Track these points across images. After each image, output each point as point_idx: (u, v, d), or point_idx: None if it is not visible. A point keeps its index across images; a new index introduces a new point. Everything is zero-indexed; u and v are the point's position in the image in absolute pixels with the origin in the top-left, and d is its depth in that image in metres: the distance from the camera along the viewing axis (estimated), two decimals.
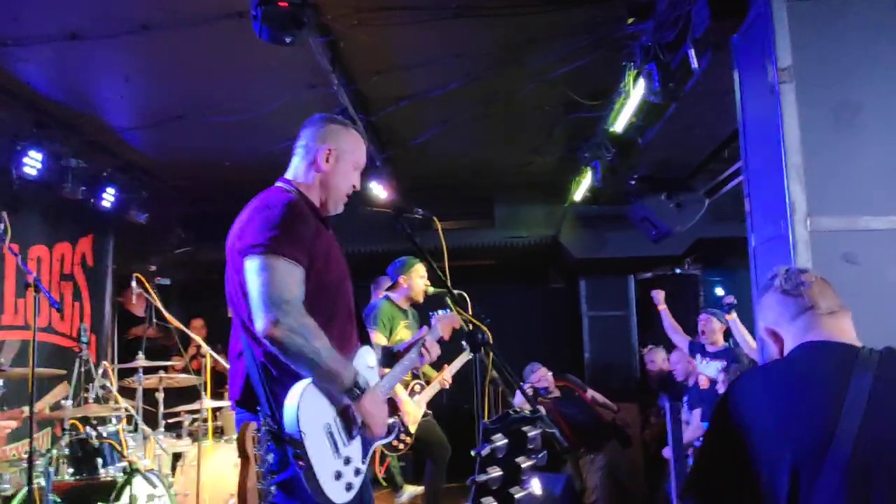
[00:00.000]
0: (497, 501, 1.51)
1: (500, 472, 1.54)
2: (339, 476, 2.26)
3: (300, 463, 2.16)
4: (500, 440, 1.55)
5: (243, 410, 2.41)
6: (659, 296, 6.50)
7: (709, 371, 5.64)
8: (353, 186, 2.59)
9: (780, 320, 2.02)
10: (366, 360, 2.57)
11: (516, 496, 1.53)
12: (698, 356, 5.85)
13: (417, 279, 5.17)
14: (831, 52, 3.07)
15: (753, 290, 3.39)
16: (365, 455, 2.43)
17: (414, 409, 5.03)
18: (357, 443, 2.38)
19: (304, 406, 2.20)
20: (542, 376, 6.54)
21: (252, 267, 2.27)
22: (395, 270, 5.24)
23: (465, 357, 5.39)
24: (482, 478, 1.51)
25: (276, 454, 2.20)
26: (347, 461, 2.31)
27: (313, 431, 2.22)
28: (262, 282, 2.23)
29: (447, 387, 5.40)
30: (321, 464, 2.20)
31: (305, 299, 2.28)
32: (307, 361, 2.21)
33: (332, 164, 2.52)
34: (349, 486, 2.29)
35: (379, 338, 4.96)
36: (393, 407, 4.98)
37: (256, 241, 2.28)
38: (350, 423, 2.34)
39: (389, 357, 2.82)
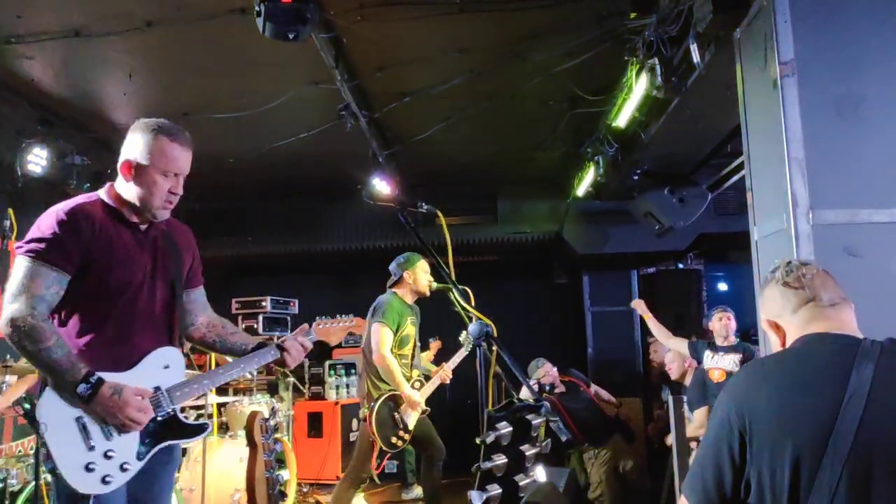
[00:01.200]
0: (501, 488, 1.52)
1: (505, 459, 1.55)
2: (90, 468, 2.30)
3: (43, 450, 2.26)
4: (505, 428, 1.57)
5: None
6: (640, 307, 6.43)
7: (725, 364, 5.60)
8: (171, 192, 2.54)
9: (781, 312, 2.03)
10: (163, 361, 2.57)
11: (521, 483, 1.54)
12: (707, 353, 5.79)
13: (421, 274, 5.18)
14: (833, 45, 3.08)
15: (756, 285, 3.40)
16: (145, 453, 2.45)
17: (418, 399, 5.03)
18: (129, 438, 2.41)
19: (50, 397, 2.28)
20: (547, 371, 6.56)
21: (15, 264, 2.41)
22: (398, 266, 5.25)
23: (463, 352, 5.42)
24: (487, 465, 1.52)
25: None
26: (108, 455, 2.34)
27: (58, 421, 2.29)
28: (13, 279, 2.37)
29: (448, 382, 5.41)
30: (64, 454, 2.27)
31: (78, 299, 2.43)
32: (28, 354, 2.31)
33: (135, 175, 2.53)
34: (106, 479, 2.33)
35: (386, 332, 4.96)
36: (397, 402, 5.01)
37: (23, 243, 2.42)
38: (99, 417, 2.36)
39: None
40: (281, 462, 4.77)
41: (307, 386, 8.19)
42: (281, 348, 2.77)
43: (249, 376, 6.32)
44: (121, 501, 2.44)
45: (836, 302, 1.97)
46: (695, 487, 1.97)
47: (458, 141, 6.62)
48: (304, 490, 7.12)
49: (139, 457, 2.43)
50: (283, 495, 5.22)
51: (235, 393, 6.84)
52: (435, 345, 5.96)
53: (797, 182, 3.01)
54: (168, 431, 2.51)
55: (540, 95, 5.47)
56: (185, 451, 5.73)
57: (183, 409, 5.76)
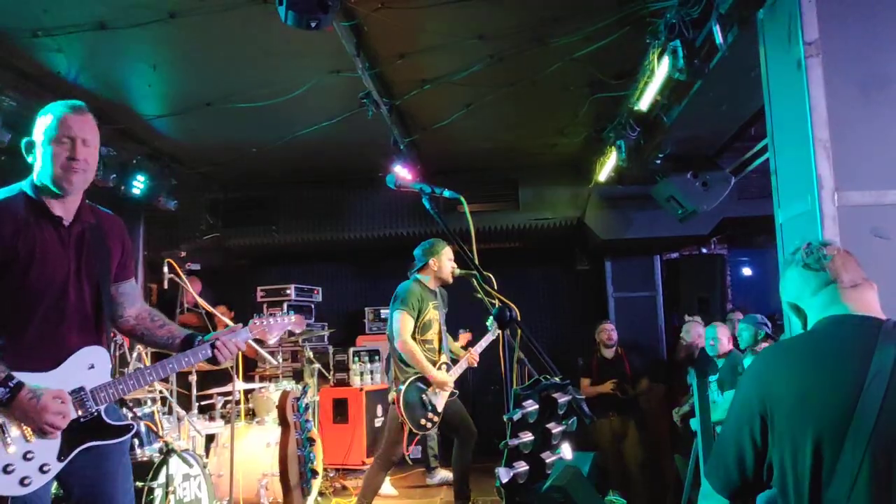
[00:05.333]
0: (528, 464, 1.55)
1: (532, 437, 1.58)
2: (7, 469, 2.31)
3: None
4: (532, 406, 1.59)
5: None
6: None
7: None
8: (71, 159, 2.52)
9: (802, 295, 2.03)
10: (87, 361, 2.56)
11: (547, 460, 1.57)
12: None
13: (445, 260, 5.23)
14: (858, 24, 3.05)
15: (781, 268, 3.39)
16: (67, 454, 2.45)
17: (445, 378, 5.10)
18: (50, 439, 2.40)
19: None
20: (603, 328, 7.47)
21: None
22: (423, 252, 5.30)
23: (490, 336, 5.45)
24: (514, 442, 1.55)
25: None
26: (27, 456, 2.35)
27: None
28: None
29: (475, 365, 5.46)
30: None
31: (0, 298, 2.42)
32: None
33: (34, 154, 2.56)
34: (25, 481, 2.33)
35: (406, 318, 5.02)
36: (425, 384, 5.07)
37: None
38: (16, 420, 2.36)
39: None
40: (312, 441, 4.85)
41: (332, 372, 8.27)
42: (212, 346, 2.75)
43: (275, 363, 6.40)
44: (45, 500, 2.43)
45: (858, 283, 1.96)
46: (717, 470, 1.98)
47: (478, 127, 6.62)
48: (331, 475, 7.21)
49: (60, 458, 2.42)
50: (314, 473, 5.29)
51: (261, 380, 6.93)
52: (465, 336, 6.01)
53: (822, 164, 2.99)
54: (91, 432, 2.50)
55: (561, 80, 5.45)
56: (213, 438, 5.83)
57: (211, 397, 5.90)
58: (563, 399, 1.65)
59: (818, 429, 1.74)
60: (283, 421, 4.89)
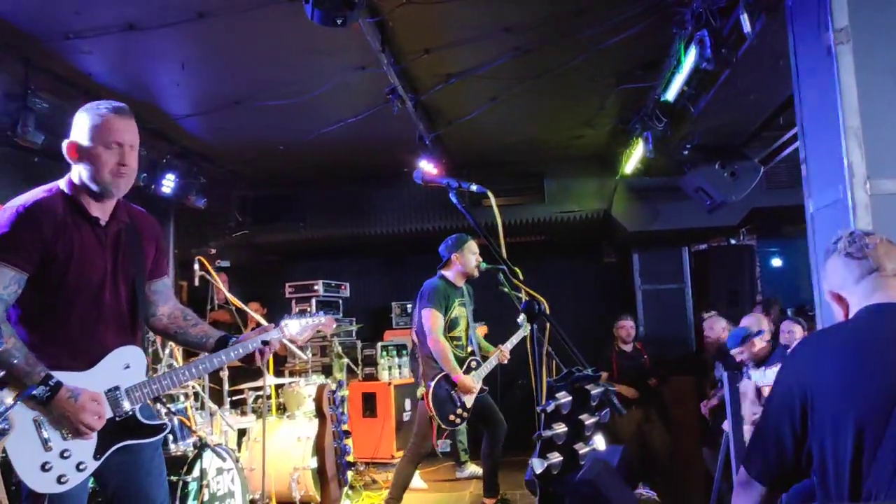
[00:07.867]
0: (562, 456, 1.56)
1: (565, 428, 1.59)
2: (46, 467, 2.33)
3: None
4: (565, 397, 1.60)
5: None
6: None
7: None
8: (120, 164, 2.53)
9: (844, 283, 2.02)
10: (123, 361, 2.59)
11: (580, 452, 1.58)
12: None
13: (469, 255, 5.24)
14: (889, 10, 3.00)
15: (812, 258, 3.36)
16: (102, 452, 2.47)
17: (471, 384, 5.12)
18: (86, 438, 2.42)
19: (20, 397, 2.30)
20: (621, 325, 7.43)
21: None
22: (447, 248, 5.31)
23: (521, 332, 5.45)
24: (547, 433, 1.56)
25: None
26: (64, 455, 2.37)
27: (21, 421, 2.32)
28: None
29: (505, 362, 5.45)
30: (20, 454, 2.30)
31: (38, 297, 2.44)
32: None
33: (80, 156, 2.53)
34: (62, 479, 2.35)
35: (436, 316, 5.05)
36: (450, 383, 5.09)
37: None
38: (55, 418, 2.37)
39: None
40: (347, 433, 4.92)
41: (360, 367, 8.33)
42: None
43: (305, 358, 6.46)
44: (82, 497, 2.47)
45: None
46: (755, 458, 1.97)
47: (504, 121, 6.61)
48: (360, 469, 7.27)
49: (96, 456, 2.46)
50: (350, 465, 5.35)
51: (291, 375, 7.00)
52: (481, 329, 6.01)
53: (854, 152, 2.95)
54: (126, 431, 2.53)
55: (586, 72, 5.42)
56: (244, 432, 5.90)
57: (242, 392, 5.97)
58: (595, 391, 1.66)
59: (860, 416, 1.73)
60: (319, 413, 4.96)
